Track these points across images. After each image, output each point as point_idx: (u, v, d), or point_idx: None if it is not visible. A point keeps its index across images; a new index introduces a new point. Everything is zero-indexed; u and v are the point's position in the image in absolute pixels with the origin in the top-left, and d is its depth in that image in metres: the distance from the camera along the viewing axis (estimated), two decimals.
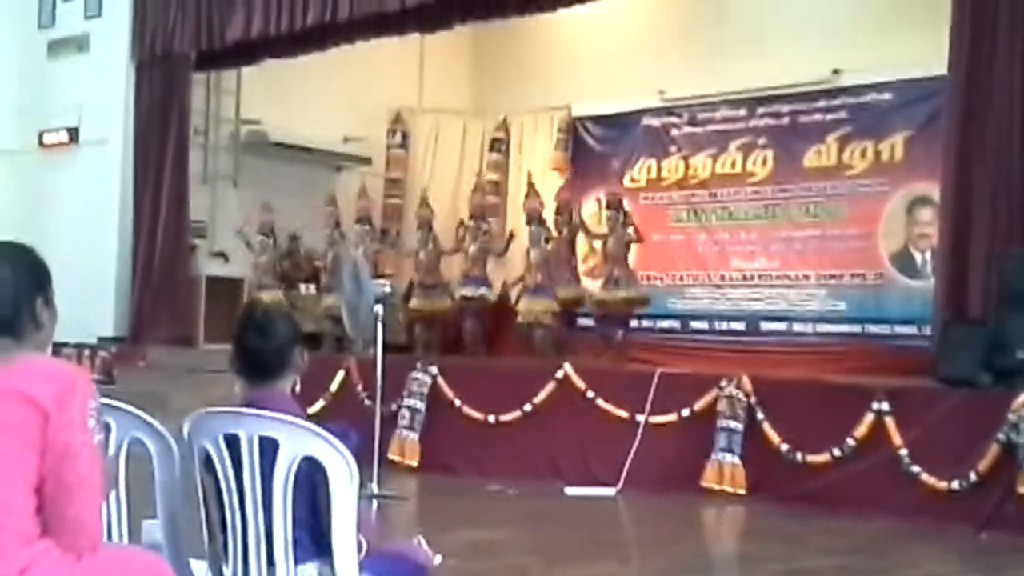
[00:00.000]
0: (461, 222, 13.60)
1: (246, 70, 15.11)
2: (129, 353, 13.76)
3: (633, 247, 12.44)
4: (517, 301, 12.86)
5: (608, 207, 12.46)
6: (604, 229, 12.43)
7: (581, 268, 13.55)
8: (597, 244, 12.81)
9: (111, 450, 3.38)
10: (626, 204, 12.61)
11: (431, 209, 13.69)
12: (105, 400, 3.23)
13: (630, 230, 12.22)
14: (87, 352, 13.51)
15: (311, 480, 3.17)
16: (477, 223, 13.18)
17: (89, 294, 13.72)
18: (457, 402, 10.67)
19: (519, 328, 12.52)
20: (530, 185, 13.29)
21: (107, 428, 3.29)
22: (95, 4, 15.08)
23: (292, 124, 15.19)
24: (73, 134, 15.11)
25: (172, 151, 14.39)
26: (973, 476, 8.14)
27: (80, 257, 13.08)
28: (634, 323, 13.83)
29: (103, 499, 2.83)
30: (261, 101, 15.29)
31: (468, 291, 12.90)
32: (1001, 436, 8.04)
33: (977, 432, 8.18)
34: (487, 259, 13.13)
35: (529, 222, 12.76)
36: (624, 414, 9.87)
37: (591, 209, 14.04)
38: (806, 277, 13.25)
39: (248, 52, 14.22)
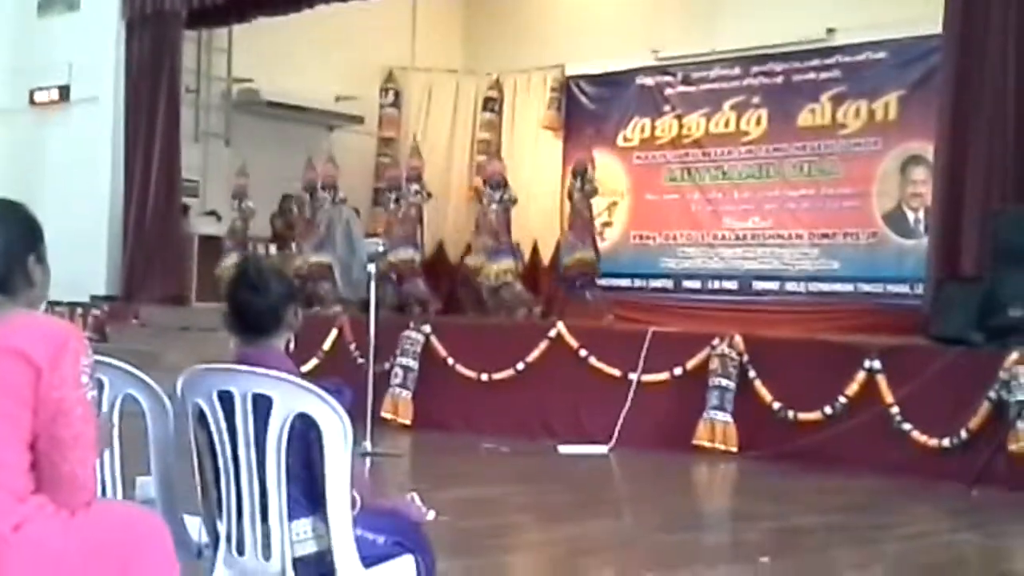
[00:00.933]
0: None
1: (237, 28, 15.03)
2: (122, 311, 13.76)
3: (622, 204, 12.47)
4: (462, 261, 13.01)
5: (574, 175, 12.45)
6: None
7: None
8: None
9: (104, 407, 3.38)
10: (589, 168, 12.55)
11: (421, 160, 13.46)
12: (98, 357, 3.23)
13: (587, 187, 12.29)
14: (80, 310, 13.51)
15: (305, 437, 3.18)
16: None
17: (81, 253, 13.68)
18: (450, 360, 10.70)
19: (481, 289, 12.41)
20: (496, 149, 13.24)
21: (100, 385, 3.29)
22: None
23: (284, 83, 15.12)
24: (64, 92, 15.03)
25: (163, 109, 14.32)
26: (964, 434, 8.19)
27: (72, 215, 13.03)
28: (626, 282, 13.88)
29: (97, 456, 2.83)
30: (253, 60, 15.21)
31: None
32: (992, 394, 8.09)
33: (969, 390, 8.22)
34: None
35: (489, 184, 12.57)
36: (617, 373, 9.90)
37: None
38: (799, 236, 13.25)
39: (239, 10, 14.14)
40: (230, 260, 12.93)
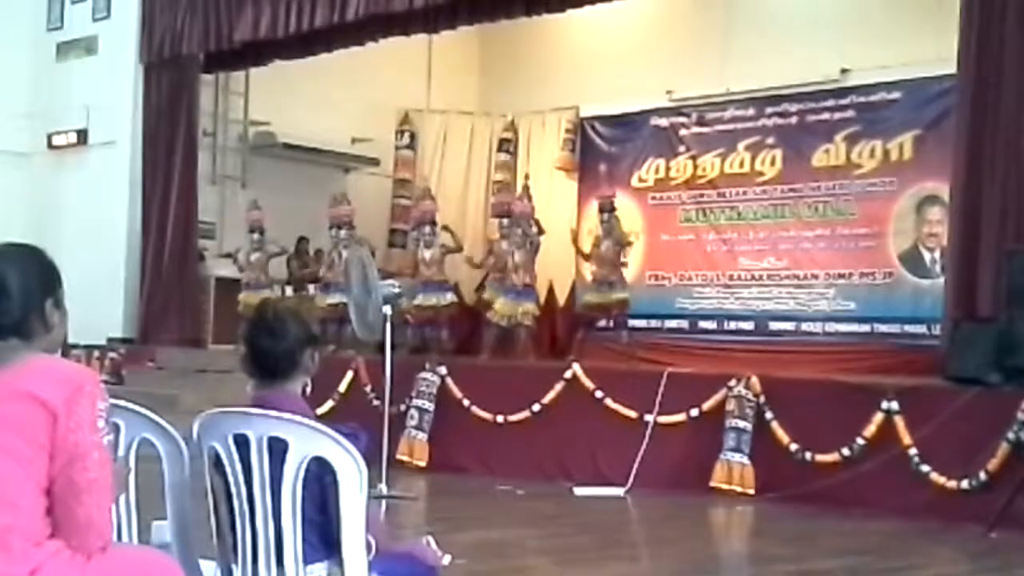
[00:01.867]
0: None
1: (254, 71, 15.14)
2: (138, 354, 13.79)
3: (637, 245, 12.51)
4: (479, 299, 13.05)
5: (601, 210, 12.48)
6: (599, 232, 12.48)
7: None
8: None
9: (120, 451, 3.39)
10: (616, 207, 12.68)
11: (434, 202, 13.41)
12: (114, 400, 3.24)
13: (620, 234, 12.38)
14: (96, 353, 13.54)
15: (320, 480, 3.17)
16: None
17: (98, 295, 13.73)
18: (466, 402, 10.68)
19: (495, 327, 12.42)
20: (525, 188, 13.29)
21: (116, 428, 3.29)
22: (103, 5, 15.12)
23: (300, 125, 15.21)
24: (82, 135, 15.14)
25: (181, 152, 14.43)
26: (983, 475, 8.12)
27: (89, 258, 13.10)
28: (642, 323, 13.86)
29: (113, 500, 2.83)
30: (269, 102, 15.32)
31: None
32: (1011, 435, 8.03)
33: (987, 431, 8.16)
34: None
35: (516, 224, 12.54)
36: (633, 414, 9.87)
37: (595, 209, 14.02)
38: (815, 276, 13.24)
39: (256, 53, 14.25)
40: (257, 296, 12.83)
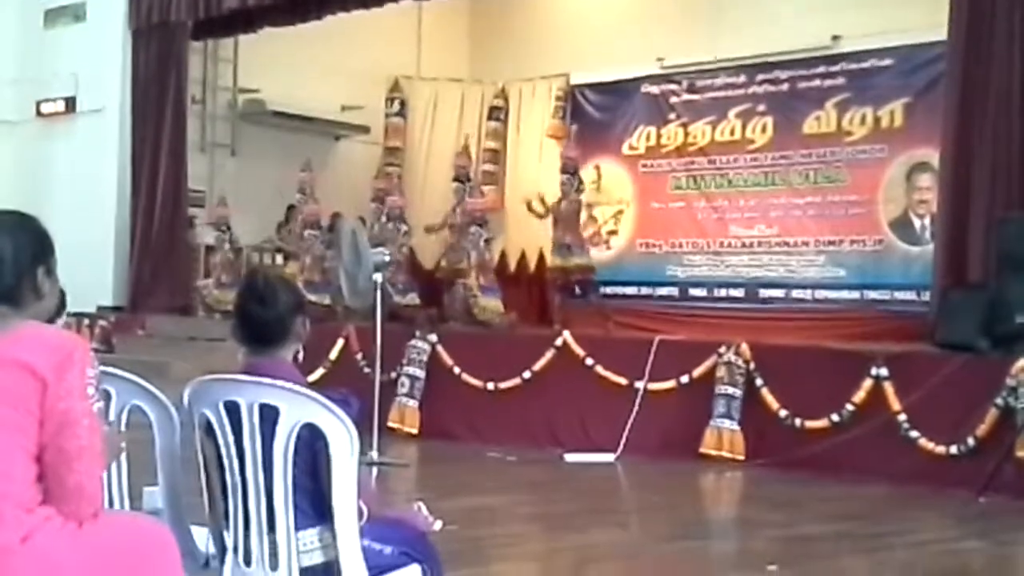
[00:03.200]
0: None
1: (243, 39, 15.07)
2: (128, 322, 13.78)
3: (628, 212, 12.42)
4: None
5: (563, 171, 12.37)
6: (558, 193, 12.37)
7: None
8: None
9: (111, 418, 3.39)
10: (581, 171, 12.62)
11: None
12: (105, 368, 3.24)
13: (583, 196, 12.29)
14: (86, 321, 13.52)
15: (311, 447, 3.18)
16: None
17: (88, 263, 13.68)
18: (456, 370, 10.70)
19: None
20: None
21: (107, 396, 3.30)
22: None
23: (290, 93, 15.15)
24: (70, 103, 15.06)
25: (169, 120, 14.36)
26: (971, 441, 8.17)
27: (78, 226, 13.03)
28: (633, 290, 13.87)
29: (105, 466, 2.84)
30: (259, 70, 15.25)
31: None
32: (1000, 401, 8.07)
33: (976, 397, 8.21)
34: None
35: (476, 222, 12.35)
36: (623, 381, 9.90)
37: (589, 177, 14.00)
38: (805, 244, 13.24)
39: (246, 20, 14.18)
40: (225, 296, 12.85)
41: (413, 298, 12.53)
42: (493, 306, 11.81)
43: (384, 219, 13.00)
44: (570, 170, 12.28)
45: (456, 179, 12.98)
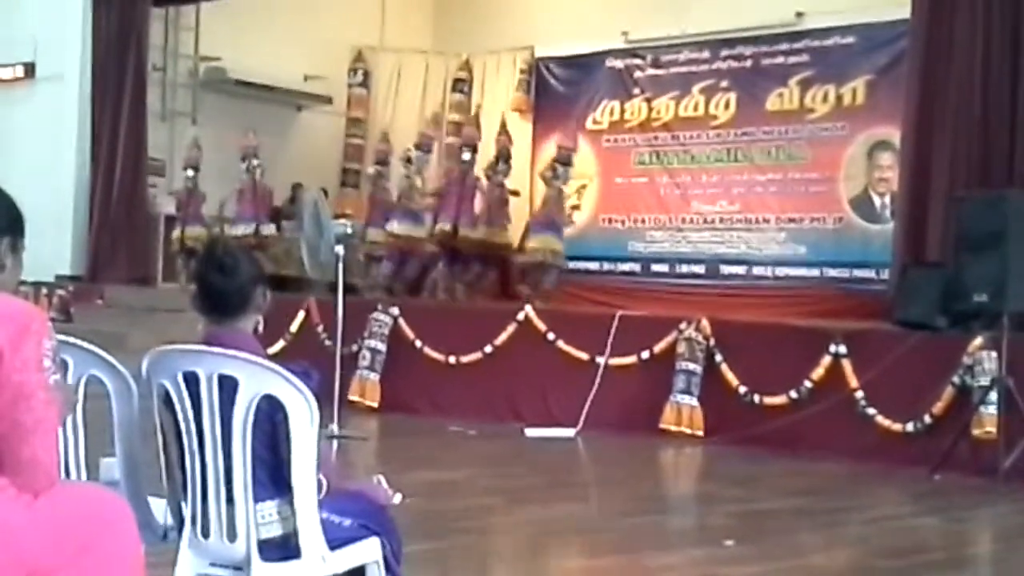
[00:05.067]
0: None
1: (205, 6, 14.94)
2: (87, 291, 13.68)
3: (591, 187, 12.43)
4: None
5: (558, 160, 12.32)
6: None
7: None
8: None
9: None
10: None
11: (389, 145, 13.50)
12: (62, 337, 3.21)
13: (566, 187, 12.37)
14: (44, 290, 13.40)
15: (271, 419, 3.16)
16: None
17: (46, 232, 13.53)
18: (418, 343, 10.68)
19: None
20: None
21: (64, 365, 3.27)
22: None
23: (252, 62, 15.03)
24: (29, 69, 14.88)
25: (130, 87, 14.23)
26: (928, 419, 8.25)
27: (37, 194, 12.80)
28: (595, 266, 13.89)
29: (58, 428, 2.80)
30: (221, 38, 15.12)
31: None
32: (956, 379, 8.16)
33: (933, 375, 8.28)
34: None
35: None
36: (584, 356, 9.91)
37: (553, 151, 13.97)
38: (766, 220, 13.29)
39: None
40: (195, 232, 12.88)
41: None
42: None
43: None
44: (563, 159, 12.24)
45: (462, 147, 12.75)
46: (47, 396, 2.64)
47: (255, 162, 13.36)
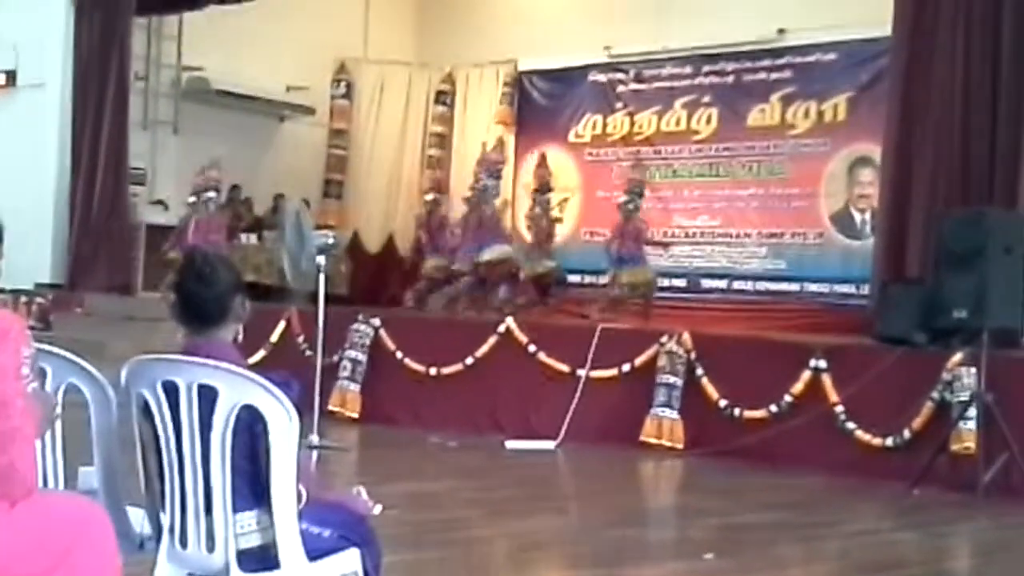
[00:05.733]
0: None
1: (188, 16, 14.89)
2: (66, 300, 13.61)
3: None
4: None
5: (539, 191, 12.50)
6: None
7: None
8: None
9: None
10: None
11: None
12: (41, 346, 3.19)
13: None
14: (24, 298, 13.33)
15: (251, 429, 3.15)
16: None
17: (26, 240, 13.41)
18: (399, 354, 10.66)
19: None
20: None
21: (43, 374, 3.25)
22: None
23: (235, 72, 15.01)
24: (10, 77, 14.82)
25: (112, 96, 14.17)
26: (907, 434, 8.27)
27: (17, 202, 12.76)
28: (576, 279, 13.92)
29: (36, 437, 2.79)
30: (203, 48, 15.09)
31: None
32: (935, 395, 8.18)
33: (912, 390, 8.31)
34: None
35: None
36: (565, 368, 9.91)
37: (535, 164, 13.99)
38: (748, 235, 13.34)
39: None
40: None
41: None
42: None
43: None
44: (545, 189, 12.40)
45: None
46: (25, 404, 2.63)
47: (210, 195, 12.80)
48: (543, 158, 13.09)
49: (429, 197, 13.38)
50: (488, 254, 11.99)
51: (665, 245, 12.48)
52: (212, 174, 13.00)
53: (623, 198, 11.90)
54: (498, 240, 12.22)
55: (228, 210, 14.63)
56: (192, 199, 13.02)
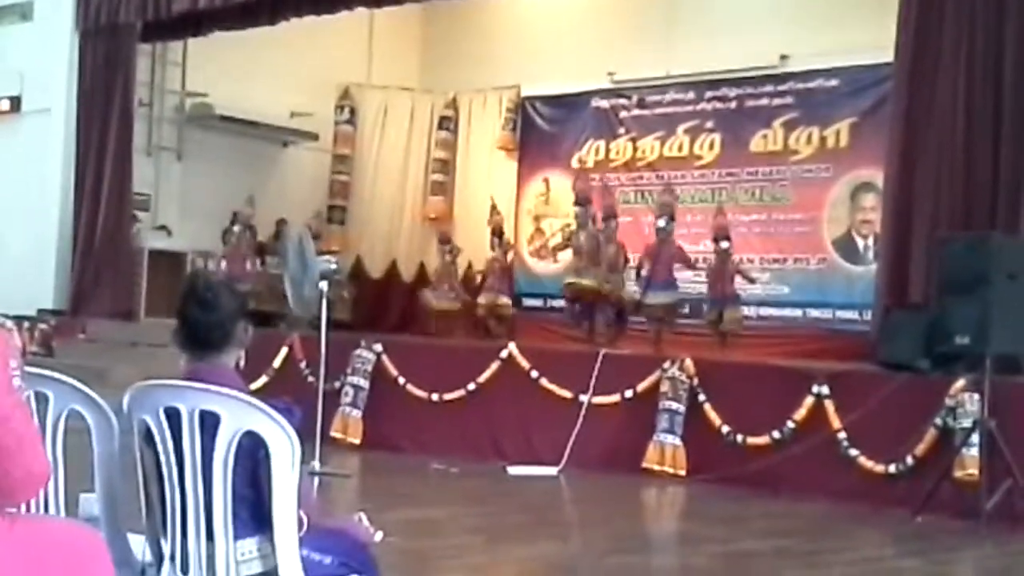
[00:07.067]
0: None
1: (193, 42, 14.95)
2: (69, 326, 13.61)
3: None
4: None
5: (577, 203, 12.41)
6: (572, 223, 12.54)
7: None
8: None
9: (49, 421, 3.34)
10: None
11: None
12: (43, 371, 3.19)
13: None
14: (26, 324, 13.34)
15: (252, 455, 3.15)
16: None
17: (29, 265, 13.56)
18: (401, 380, 10.66)
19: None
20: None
21: (45, 400, 3.25)
22: None
23: (239, 98, 15.05)
24: (15, 103, 14.87)
25: (116, 122, 14.21)
26: (910, 460, 8.25)
27: (21, 228, 12.91)
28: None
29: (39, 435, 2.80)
30: (207, 74, 15.13)
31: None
32: (939, 421, 8.15)
33: (915, 416, 8.28)
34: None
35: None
36: (567, 394, 9.90)
37: (538, 190, 14.08)
38: (750, 261, 13.31)
39: (195, 23, 14.06)
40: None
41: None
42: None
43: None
44: (583, 201, 12.30)
45: (577, 202, 12.51)
46: (23, 414, 2.64)
47: (236, 229, 13.77)
48: (606, 187, 13.16)
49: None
50: (661, 297, 11.67)
51: (751, 280, 12.27)
52: (244, 210, 13.76)
53: (660, 222, 11.74)
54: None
55: (231, 235, 14.68)
56: (225, 233, 13.92)
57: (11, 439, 2.60)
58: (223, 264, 13.75)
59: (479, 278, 13.80)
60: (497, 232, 13.54)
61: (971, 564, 7.23)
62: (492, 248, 13.55)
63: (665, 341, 11.44)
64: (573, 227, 12.57)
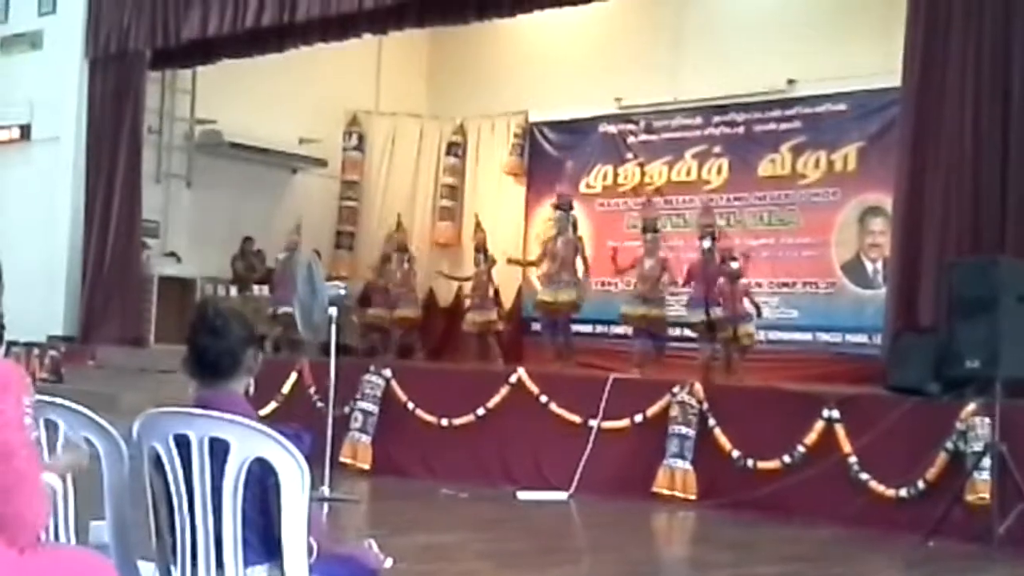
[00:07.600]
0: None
1: (201, 69, 15.03)
2: (79, 352, 13.64)
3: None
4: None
5: (558, 208, 12.42)
6: (552, 230, 12.42)
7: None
8: None
9: (59, 449, 3.34)
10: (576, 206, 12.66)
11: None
12: (53, 399, 3.20)
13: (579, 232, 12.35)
14: (36, 350, 13.37)
15: (262, 482, 3.15)
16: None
17: (39, 292, 13.59)
18: (410, 405, 10.64)
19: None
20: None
21: (55, 427, 3.26)
22: (49, 0, 14.93)
23: (247, 124, 15.12)
24: (25, 131, 14.96)
25: (125, 150, 14.28)
26: (921, 484, 8.21)
27: (31, 255, 12.94)
28: (587, 328, 13.88)
29: (41, 483, 2.78)
30: (216, 101, 15.20)
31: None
32: (949, 445, 8.12)
33: (926, 440, 8.25)
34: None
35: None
36: (577, 419, 9.88)
37: (546, 214, 14.04)
38: (759, 285, 13.29)
39: (204, 51, 14.14)
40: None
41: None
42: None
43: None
44: (564, 207, 12.30)
45: (558, 207, 12.50)
46: (29, 454, 2.64)
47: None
48: (649, 200, 13.13)
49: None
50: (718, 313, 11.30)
51: (758, 308, 11.93)
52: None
53: (706, 244, 11.49)
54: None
55: (241, 262, 14.72)
56: (234, 259, 14.28)
57: (12, 477, 2.59)
58: (273, 289, 13.68)
59: (467, 302, 13.68)
60: (481, 249, 13.48)
61: None
62: (476, 264, 13.50)
63: (664, 363, 11.40)
64: (553, 232, 12.45)
